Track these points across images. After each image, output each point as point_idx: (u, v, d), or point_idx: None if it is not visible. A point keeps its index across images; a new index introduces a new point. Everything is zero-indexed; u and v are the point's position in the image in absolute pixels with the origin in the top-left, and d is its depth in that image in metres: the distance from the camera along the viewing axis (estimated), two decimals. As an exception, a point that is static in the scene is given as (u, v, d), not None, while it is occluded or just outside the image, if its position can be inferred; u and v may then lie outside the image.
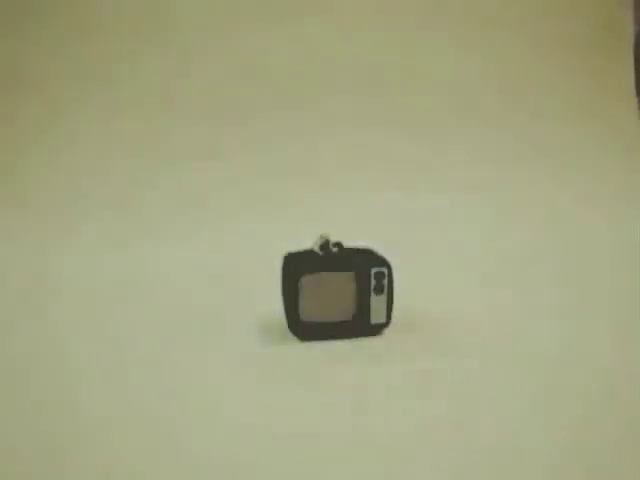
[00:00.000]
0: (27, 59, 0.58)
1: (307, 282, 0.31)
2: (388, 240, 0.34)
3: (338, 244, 0.32)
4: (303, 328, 0.31)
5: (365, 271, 0.31)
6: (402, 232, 0.42)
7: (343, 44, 0.60)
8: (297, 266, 0.31)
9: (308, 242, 0.32)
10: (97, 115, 0.58)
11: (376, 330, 0.31)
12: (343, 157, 0.53)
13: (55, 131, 0.57)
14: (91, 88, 0.58)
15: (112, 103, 0.58)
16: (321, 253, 0.31)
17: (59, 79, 0.58)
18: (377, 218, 0.45)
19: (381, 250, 0.33)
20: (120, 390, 0.27)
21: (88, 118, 0.57)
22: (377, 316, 0.31)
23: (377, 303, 0.31)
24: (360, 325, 0.31)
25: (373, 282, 0.31)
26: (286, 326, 0.31)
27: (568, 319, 0.33)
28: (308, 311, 0.31)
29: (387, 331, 0.32)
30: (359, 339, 0.31)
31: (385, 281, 0.31)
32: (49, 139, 0.57)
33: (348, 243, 0.32)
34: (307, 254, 0.31)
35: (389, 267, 0.31)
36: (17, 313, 0.36)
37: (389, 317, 0.31)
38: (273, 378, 0.28)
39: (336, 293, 0.31)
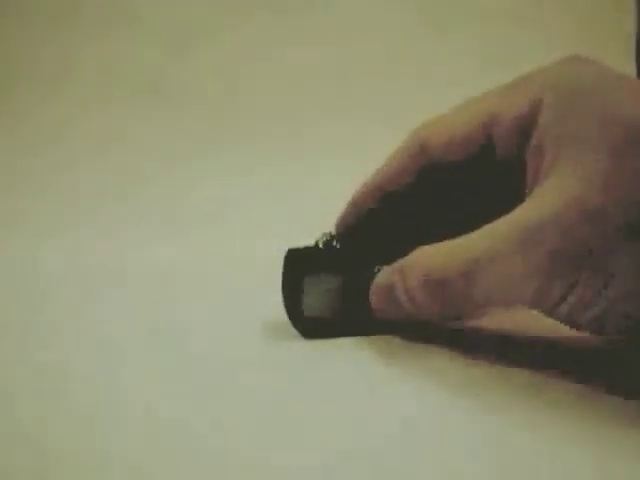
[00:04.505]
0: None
1: (310, 279, 0.31)
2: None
3: (340, 240, 0.32)
4: (306, 325, 0.31)
5: (369, 268, 0.31)
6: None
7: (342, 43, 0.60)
8: (300, 263, 0.31)
9: (311, 238, 0.32)
10: (89, 109, 0.58)
11: (381, 328, 0.31)
12: (346, 156, 0.53)
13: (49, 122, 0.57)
14: (89, 83, 0.58)
15: (108, 97, 0.58)
16: (324, 250, 0.31)
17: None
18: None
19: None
20: (119, 390, 0.26)
21: (79, 112, 0.57)
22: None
23: None
24: (364, 323, 0.31)
25: None
26: (288, 323, 0.31)
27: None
28: (311, 308, 0.31)
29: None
30: (363, 337, 0.31)
31: None
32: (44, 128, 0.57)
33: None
34: (310, 251, 0.31)
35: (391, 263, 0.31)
36: (10, 313, 0.36)
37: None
38: (276, 376, 0.28)
39: (339, 290, 0.31)
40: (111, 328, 0.33)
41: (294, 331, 0.31)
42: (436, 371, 0.28)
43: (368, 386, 0.27)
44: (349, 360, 0.29)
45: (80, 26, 0.59)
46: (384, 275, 0.30)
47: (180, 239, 0.48)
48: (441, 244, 0.27)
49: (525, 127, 0.26)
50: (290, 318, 0.31)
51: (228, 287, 0.40)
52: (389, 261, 0.30)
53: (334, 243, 0.31)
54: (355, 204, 0.32)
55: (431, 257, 0.27)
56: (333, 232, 0.32)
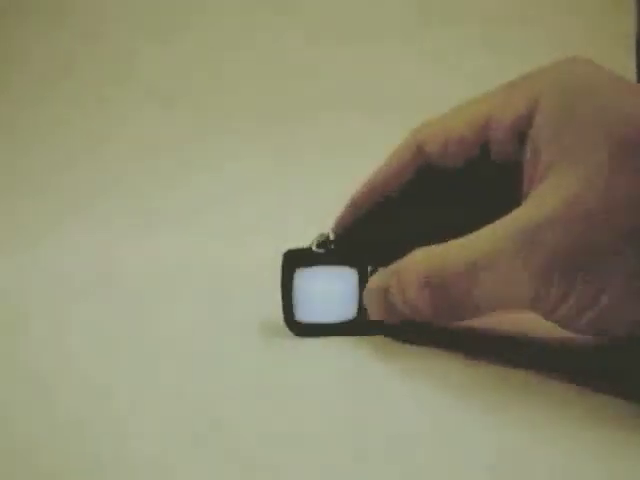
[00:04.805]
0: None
1: (305, 279, 0.31)
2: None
3: (336, 241, 0.32)
4: (299, 325, 0.31)
5: (362, 269, 0.31)
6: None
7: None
8: (294, 263, 0.31)
9: (308, 238, 0.32)
10: (87, 108, 0.58)
11: (374, 328, 0.31)
12: (344, 154, 0.53)
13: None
14: (96, 87, 0.58)
15: (113, 101, 0.58)
16: (319, 250, 0.31)
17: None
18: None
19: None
20: (118, 391, 0.26)
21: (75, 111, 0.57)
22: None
23: None
24: (358, 323, 0.31)
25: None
26: (284, 323, 0.31)
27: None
28: (305, 308, 0.31)
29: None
30: (356, 337, 0.31)
31: None
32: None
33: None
34: (305, 251, 0.31)
35: (386, 265, 0.31)
36: (31, 314, 0.36)
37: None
38: (275, 376, 0.28)
39: (333, 290, 0.31)
40: (110, 328, 0.33)
41: (288, 329, 0.31)
42: (436, 371, 0.27)
43: (368, 386, 0.27)
44: (349, 360, 0.29)
45: (78, 25, 0.59)
46: (378, 278, 0.29)
47: (180, 239, 0.48)
48: (439, 246, 0.27)
49: (522, 128, 0.26)
50: (285, 318, 0.31)
51: (227, 286, 0.40)
52: (386, 263, 0.30)
53: (330, 244, 0.31)
54: (353, 205, 0.32)
55: (429, 259, 0.27)
56: (329, 232, 0.32)
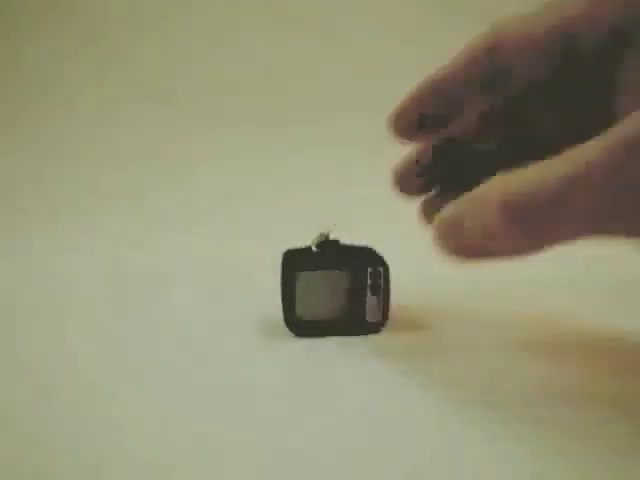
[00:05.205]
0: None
1: (303, 279, 0.31)
2: (389, 239, 0.34)
3: (336, 242, 0.32)
4: (299, 325, 0.31)
5: (361, 270, 0.31)
6: (403, 232, 0.41)
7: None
8: (294, 263, 0.31)
9: (308, 238, 0.32)
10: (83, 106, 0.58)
11: (372, 329, 0.31)
12: (350, 152, 0.53)
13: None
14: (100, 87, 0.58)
15: (121, 105, 0.58)
16: (318, 250, 0.31)
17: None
18: (380, 217, 0.45)
19: (382, 249, 0.33)
20: (118, 390, 0.26)
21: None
22: (373, 315, 0.31)
23: (373, 302, 0.31)
24: (356, 323, 0.31)
25: (369, 281, 0.31)
26: (284, 323, 0.31)
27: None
28: (304, 308, 0.31)
29: (384, 330, 0.32)
30: (355, 337, 0.31)
31: (381, 280, 0.31)
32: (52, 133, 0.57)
33: (349, 241, 0.32)
34: (305, 251, 0.32)
35: (386, 266, 0.31)
36: (32, 314, 0.36)
37: (385, 316, 0.31)
38: (275, 376, 0.28)
39: (332, 291, 0.31)
40: (110, 328, 0.33)
41: (287, 329, 0.31)
42: (435, 371, 0.28)
43: (368, 386, 0.27)
44: (348, 360, 0.29)
45: (78, 25, 0.59)
46: (452, 207, 0.25)
47: (180, 239, 0.48)
48: (525, 168, 0.23)
49: (618, 36, 0.24)
50: (284, 317, 0.31)
51: (227, 286, 0.40)
52: (457, 190, 0.26)
53: (328, 244, 0.31)
54: (410, 97, 0.30)
55: (512, 181, 0.23)
56: (329, 232, 0.32)
